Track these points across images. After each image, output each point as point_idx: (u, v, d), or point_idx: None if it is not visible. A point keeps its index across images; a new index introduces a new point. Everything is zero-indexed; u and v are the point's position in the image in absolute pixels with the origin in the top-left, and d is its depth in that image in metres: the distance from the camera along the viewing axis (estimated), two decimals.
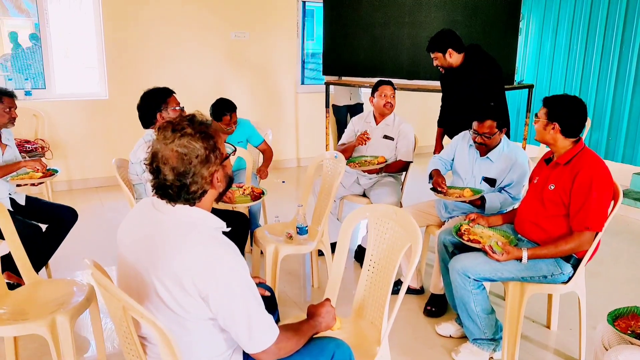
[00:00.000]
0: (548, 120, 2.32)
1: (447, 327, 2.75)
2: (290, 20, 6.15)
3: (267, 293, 1.95)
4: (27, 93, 5.11)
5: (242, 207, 3.42)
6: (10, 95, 2.95)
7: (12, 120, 2.98)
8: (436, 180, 2.97)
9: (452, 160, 3.12)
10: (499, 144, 2.87)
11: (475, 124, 2.80)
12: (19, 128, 4.93)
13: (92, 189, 5.38)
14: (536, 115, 2.40)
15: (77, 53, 5.59)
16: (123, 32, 5.28)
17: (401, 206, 3.61)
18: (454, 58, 3.39)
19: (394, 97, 3.57)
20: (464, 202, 2.82)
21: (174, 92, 2.79)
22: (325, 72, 5.81)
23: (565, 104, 2.32)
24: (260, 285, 1.97)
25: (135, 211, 1.55)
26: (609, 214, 2.32)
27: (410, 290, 3.18)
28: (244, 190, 3.07)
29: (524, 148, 5.51)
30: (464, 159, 3.02)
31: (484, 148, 2.87)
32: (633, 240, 4.23)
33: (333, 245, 3.23)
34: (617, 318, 1.80)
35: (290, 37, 6.20)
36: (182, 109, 2.77)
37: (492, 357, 2.51)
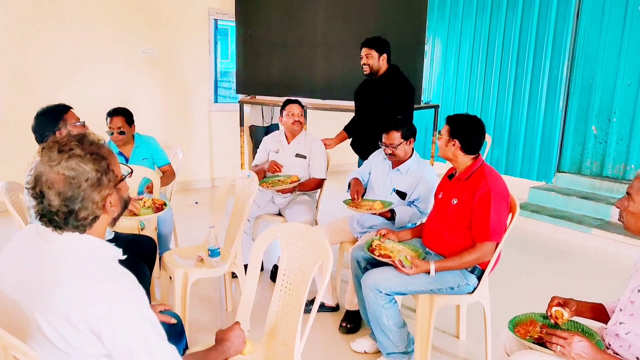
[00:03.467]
0: (450, 137, 2.43)
1: (362, 342, 2.76)
2: (202, 37, 6.05)
3: (173, 320, 1.84)
4: None
5: (149, 230, 3.27)
6: None
7: None
8: (353, 189, 3.02)
9: (369, 175, 3.18)
10: (410, 157, 2.97)
11: (383, 137, 2.89)
12: None
13: None
14: (439, 132, 2.50)
15: None
16: (18, 47, 4.92)
17: (317, 224, 3.62)
18: (383, 64, 3.53)
19: (302, 115, 3.60)
20: (375, 214, 2.87)
21: (71, 107, 2.60)
22: (238, 91, 5.75)
23: (466, 122, 2.45)
24: (166, 312, 1.87)
25: (17, 240, 1.40)
26: (508, 226, 2.46)
27: (325, 308, 3.17)
28: (144, 202, 2.89)
29: (432, 165, 5.77)
30: (378, 172, 3.10)
31: (394, 159, 2.96)
32: (532, 250, 4.53)
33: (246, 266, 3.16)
34: (517, 325, 1.89)
35: (202, 55, 6.09)
36: (83, 124, 2.59)
37: None
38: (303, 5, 5.14)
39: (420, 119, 6.79)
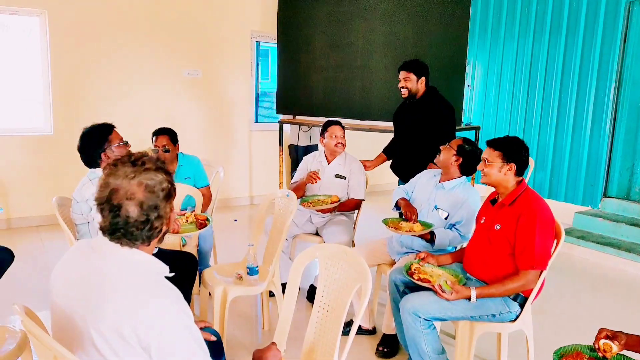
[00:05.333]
0: (505, 162, 2.40)
1: None
2: (245, 59, 6.20)
3: (213, 338, 1.86)
4: None
5: (190, 247, 3.33)
6: None
7: None
8: (408, 209, 3.00)
9: (412, 193, 3.16)
10: (457, 178, 2.94)
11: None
12: None
13: (33, 227, 5.11)
14: (485, 159, 2.46)
15: (21, 87, 5.39)
16: (71, 67, 5.17)
17: (353, 245, 3.61)
18: (421, 87, 3.53)
19: (344, 137, 3.62)
20: (414, 236, 2.84)
21: (114, 127, 2.69)
22: (279, 111, 5.85)
23: (517, 145, 2.43)
24: (206, 329, 1.90)
25: (71, 254, 1.46)
26: (553, 252, 2.39)
27: (362, 331, 3.14)
28: (187, 218, 2.95)
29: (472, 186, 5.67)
30: (423, 189, 3.07)
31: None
32: (576, 277, 4.37)
33: (285, 286, 3.17)
34: (563, 356, 1.82)
35: (244, 75, 6.24)
36: (126, 143, 2.69)
37: None
38: (344, 28, 5.20)
39: None
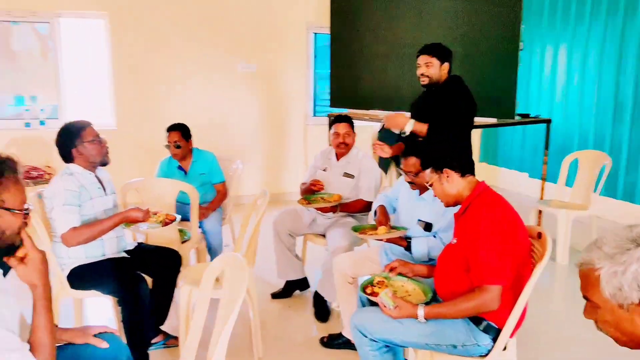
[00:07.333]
0: (436, 171, 2.05)
1: None
2: (301, 51, 6.07)
3: (104, 345, 1.76)
4: (42, 123, 5.38)
5: (192, 241, 3.29)
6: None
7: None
8: (378, 219, 2.72)
9: (397, 200, 2.82)
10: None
11: (402, 162, 2.52)
12: (29, 155, 5.18)
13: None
14: (427, 183, 2.12)
15: (87, 85, 5.83)
16: (130, 65, 5.46)
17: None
18: (443, 73, 3.13)
19: (349, 135, 3.33)
20: (381, 240, 2.53)
21: (91, 124, 2.71)
22: (333, 104, 5.67)
23: (436, 148, 2.13)
24: (102, 335, 1.80)
25: None
26: (535, 265, 1.94)
27: (351, 345, 2.86)
28: (158, 217, 2.85)
29: (542, 188, 4.99)
30: (405, 198, 2.72)
31: (415, 187, 2.57)
32: None
33: (289, 283, 3.37)
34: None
35: (300, 68, 6.12)
36: (100, 140, 2.70)
37: None
38: (392, 19, 4.90)
39: (528, 134, 5.99)
